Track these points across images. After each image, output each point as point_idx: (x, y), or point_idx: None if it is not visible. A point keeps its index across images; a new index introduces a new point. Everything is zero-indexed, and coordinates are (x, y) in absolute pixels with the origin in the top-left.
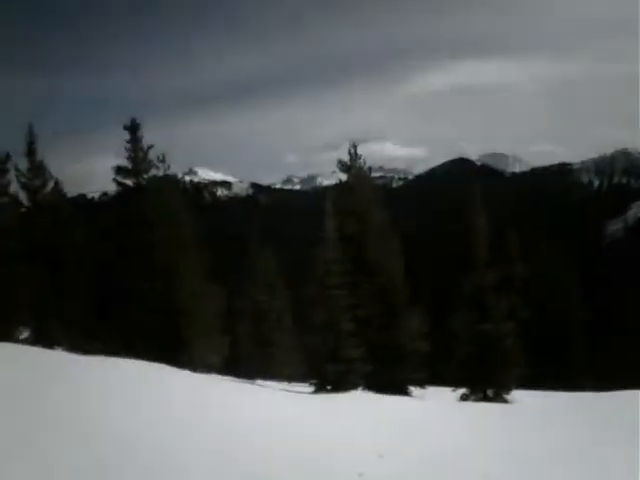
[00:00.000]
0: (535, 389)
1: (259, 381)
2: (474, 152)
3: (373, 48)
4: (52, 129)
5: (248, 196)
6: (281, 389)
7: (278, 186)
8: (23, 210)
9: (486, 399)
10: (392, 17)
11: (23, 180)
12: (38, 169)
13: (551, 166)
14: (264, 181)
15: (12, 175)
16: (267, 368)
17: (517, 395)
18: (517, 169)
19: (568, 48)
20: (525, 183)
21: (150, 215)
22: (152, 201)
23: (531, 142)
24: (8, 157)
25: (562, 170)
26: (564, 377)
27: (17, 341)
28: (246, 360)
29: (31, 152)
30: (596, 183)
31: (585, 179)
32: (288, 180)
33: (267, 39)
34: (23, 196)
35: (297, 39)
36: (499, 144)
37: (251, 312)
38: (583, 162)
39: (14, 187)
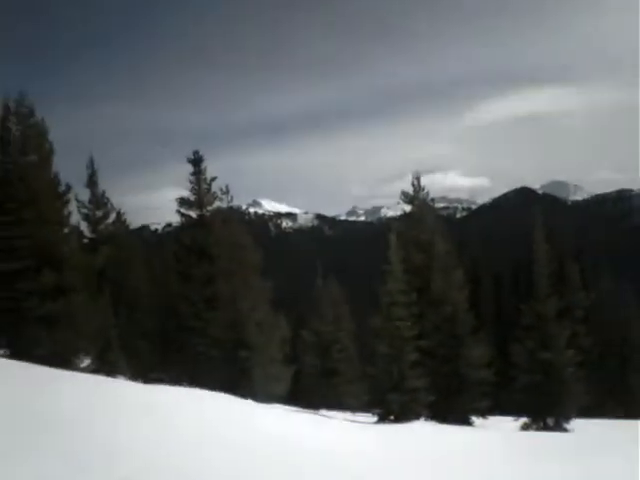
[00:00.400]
0: (596, 417)
1: (323, 411)
2: (536, 181)
3: (435, 79)
4: (116, 160)
5: (313, 227)
6: (344, 419)
7: (343, 217)
8: (85, 241)
9: (546, 428)
10: (453, 48)
11: (85, 211)
12: (100, 200)
13: (611, 193)
14: (329, 212)
15: (73, 206)
16: (331, 398)
17: (577, 424)
18: (578, 197)
19: (626, 72)
20: (586, 210)
21: (214, 247)
22: (216, 233)
23: (591, 169)
24: (69, 188)
25: (622, 196)
26: (625, 405)
27: (78, 369)
28: (310, 390)
29: (92, 183)
30: None
31: None
32: (353, 211)
33: (331, 72)
34: (85, 227)
35: (362, 72)
36: (560, 172)
37: (316, 343)
38: None
39: (75, 218)
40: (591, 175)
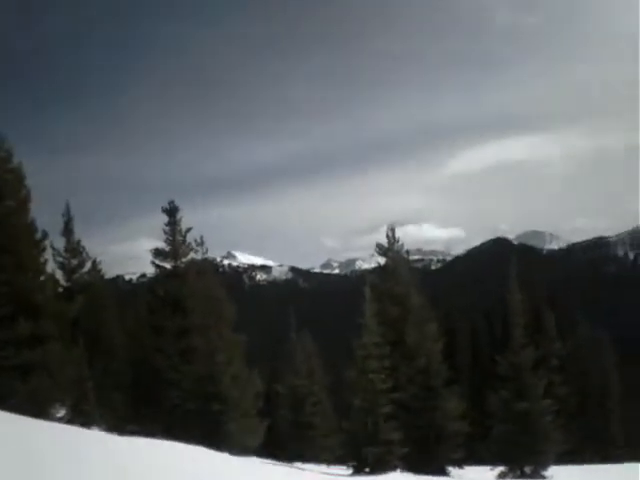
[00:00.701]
0: (573, 464)
1: (297, 464)
2: (511, 231)
3: (406, 130)
4: (90, 209)
5: (287, 280)
6: (320, 472)
7: (317, 270)
8: (60, 290)
9: (524, 476)
10: (425, 98)
11: (60, 259)
12: (75, 249)
13: (588, 241)
14: (303, 265)
15: (49, 254)
16: (306, 451)
17: (554, 471)
18: (555, 246)
19: (601, 118)
20: (563, 259)
21: (188, 299)
22: (190, 285)
23: (568, 218)
24: (45, 235)
25: (599, 244)
26: (603, 451)
27: (53, 419)
28: (285, 443)
29: (68, 231)
30: (631, 256)
31: (621, 252)
32: (327, 264)
33: (304, 120)
34: (60, 275)
35: (334, 120)
36: (536, 222)
37: (290, 396)
38: (618, 235)
39: (51, 266)
40: (567, 223)
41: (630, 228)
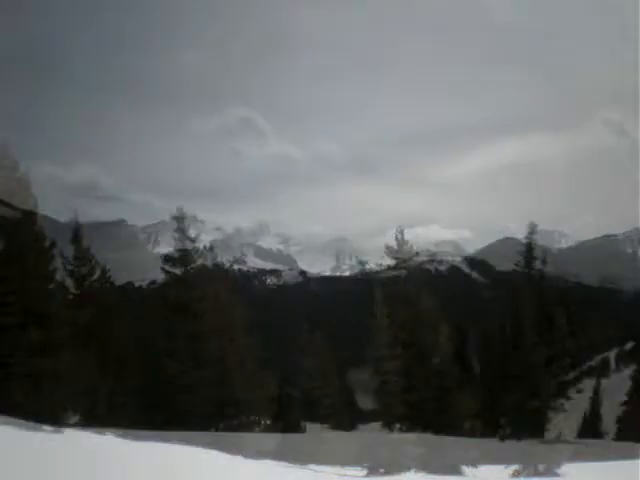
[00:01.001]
0: (586, 461)
1: (311, 465)
2: (520, 231)
3: (409, 131)
4: (99, 217)
5: (298, 284)
6: (335, 473)
7: (327, 273)
8: (70, 297)
9: (537, 474)
10: (427, 98)
11: (70, 267)
12: (84, 257)
13: (596, 239)
14: (313, 269)
15: (58, 262)
16: (320, 453)
17: (568, 469)
18: (563, 244)
19: (602, 118)
20: (572, 257)
21: (198, 305)
22: (200, 291)
23: (576, 216)
24: (53, 244)
25: (607, 242)
26: (617, 447)
27: (66, 425)
28: (298, 445)
29: (77, 239)
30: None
31: (629, 249)
32: (337, 267)
33: (311, 122)
34: (70, 283)
35: (338, 122)
36: (545, 221)
37: (303, 398)
38: (625, 232)
39: (60, 274)
40: (575, 222)
41: (638, 225)
